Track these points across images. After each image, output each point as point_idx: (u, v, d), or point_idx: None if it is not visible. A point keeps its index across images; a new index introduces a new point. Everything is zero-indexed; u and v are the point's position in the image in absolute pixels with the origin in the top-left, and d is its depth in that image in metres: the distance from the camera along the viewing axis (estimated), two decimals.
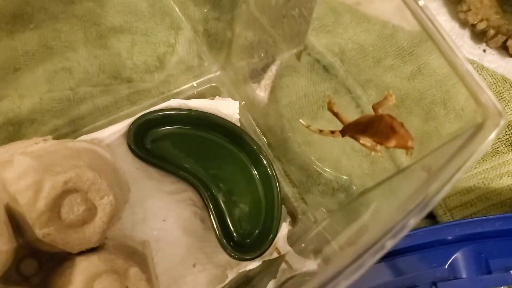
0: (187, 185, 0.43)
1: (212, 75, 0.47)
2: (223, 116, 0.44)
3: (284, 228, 0.43)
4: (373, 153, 0.34)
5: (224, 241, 0.40)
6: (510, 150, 0.44)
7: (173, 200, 0.42)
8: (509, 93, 0.45)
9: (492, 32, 0.49)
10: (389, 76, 0.45)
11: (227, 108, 0.44)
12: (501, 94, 0.45)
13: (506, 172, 0.45)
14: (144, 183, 0.42)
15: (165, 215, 0.41)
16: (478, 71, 0.46)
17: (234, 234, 0.42)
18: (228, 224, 0.42)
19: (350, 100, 0.45)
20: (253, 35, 0.40)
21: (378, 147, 0.34)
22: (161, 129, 0.43)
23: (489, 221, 0.42)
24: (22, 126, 0.41)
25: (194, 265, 0.41)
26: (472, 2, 0.50)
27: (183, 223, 0.42)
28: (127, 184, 0.39)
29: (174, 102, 0.44)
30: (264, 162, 0.43)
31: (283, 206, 0.44)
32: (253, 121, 0.45)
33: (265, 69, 0.43)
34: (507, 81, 0.45)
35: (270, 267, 0.42)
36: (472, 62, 0.46)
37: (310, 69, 0.45)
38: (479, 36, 0.51)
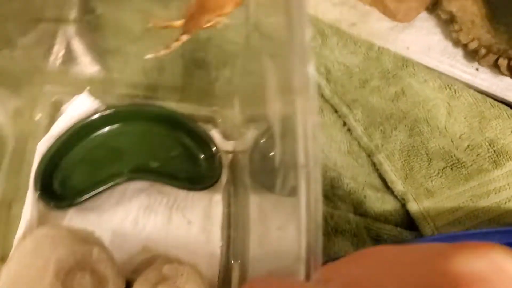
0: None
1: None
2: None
3: None
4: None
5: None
6: (494, 168, 0.45)
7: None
8: (490, 112, 0.46)
9: (483, 51, 0.50)
10: (374, 96, 0.47)
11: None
12: (482, 114, 0.46)
13: (492, 190, 0.45)
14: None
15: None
16: (458, 92, 0.47)
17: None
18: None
19: (336, 119, 0.47)
20: None
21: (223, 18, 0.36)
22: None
23: (488, 235, 0.43)
24: None
25: None
26: (463, 22, 0.51)
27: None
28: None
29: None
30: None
31: None
32: None
33: None
34: (487, 100, 0.46)
35: None
36: (453, 84, 0.47)
37: None
38: (471, 55, 0.52)
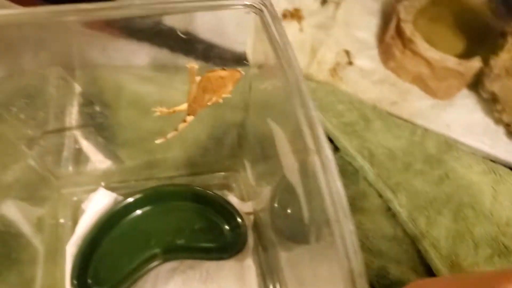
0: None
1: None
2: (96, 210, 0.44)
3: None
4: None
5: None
6: None
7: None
8: None
9: None
10: (418, 180, 0.47)
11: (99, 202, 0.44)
12: None
13: None
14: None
15: None
16: (503, 177, 0.47)
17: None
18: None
19: (380, 203, 0.47)
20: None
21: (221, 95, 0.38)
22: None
23: None
24: None
25: None
26: (506, 102, 0.51)
27: None
28: None
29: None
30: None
31: None
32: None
33: None
34: None
35: None
36: (497, 169, 0.47)
37: (342, 172, 0.48)
38: None
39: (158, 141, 0.38)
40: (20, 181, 0.40)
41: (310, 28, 0.58)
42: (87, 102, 0.43)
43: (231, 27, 0.37)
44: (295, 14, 0.57)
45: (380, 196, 0.47)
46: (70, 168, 0.44)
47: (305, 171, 0.28)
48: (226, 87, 0.37)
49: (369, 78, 0.55)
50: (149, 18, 0.43)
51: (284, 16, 0.57)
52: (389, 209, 0.47)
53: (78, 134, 0.42)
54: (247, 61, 0.38)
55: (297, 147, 0.30)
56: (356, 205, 0.47)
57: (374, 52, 0.58)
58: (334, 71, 0.56)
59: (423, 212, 0.46)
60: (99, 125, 0.43)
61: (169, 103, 0.39)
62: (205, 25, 0.41)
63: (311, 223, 0.29)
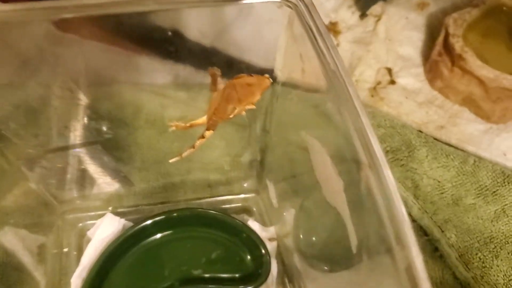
0: None
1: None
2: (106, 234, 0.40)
3: None
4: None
5: None
6: None
7: None
8: None
9: None
10: (470, 216, 0.41)
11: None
12: None
13: None
14: None
15: None
16: None
17: None
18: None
19: (426, 242, 0.42)
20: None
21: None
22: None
23: None
24: None
25: None
26: None
27: None
28: None
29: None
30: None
31: None
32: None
33: None
34: None
35: None
36: None
37: None
38: None
39: (172, 160, 0.35)
40: (20, 206, 0.37)
41: (348, 43, 0.53)
42: (97, 117, 0.40)
43: (260, 31, 0.33)
44: (331, 28, 0.53)
45: (426, 234, 0.42)
46: (75, 192, 0.41)
47: (355, 191, 0.24)
48: (254, 96, 0.32)
49: (413, 99, 0.50)
50: (170, 30, 0.40)
51: None
52: (436, 249, 0.42)
53: (84, 153, 0.39)
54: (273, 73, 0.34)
55: (342, 163, 0.26)
56: None
57: (419, 70, 0.53)
58: (374, 90, 0.51)
59: (477, 254, 0.40)
60: (107, 144, 0.40)
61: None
62: (230, 38, 0.38)
63: (361, 250, 0.25)
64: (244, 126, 0.42)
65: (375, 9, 0.55)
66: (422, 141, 0.44)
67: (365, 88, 0.51)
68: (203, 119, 0.34)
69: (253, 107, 0.32)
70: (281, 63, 0.32)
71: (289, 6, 0.27)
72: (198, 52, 0.42)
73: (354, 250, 0.25)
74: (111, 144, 0.42)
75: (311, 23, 0.25)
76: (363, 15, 0.55)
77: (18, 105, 0.38)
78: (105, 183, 0.41)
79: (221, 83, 0.32)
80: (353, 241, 0.25)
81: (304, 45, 0.26)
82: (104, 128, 0.41)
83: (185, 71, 0.43)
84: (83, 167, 0.40)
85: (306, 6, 0.25)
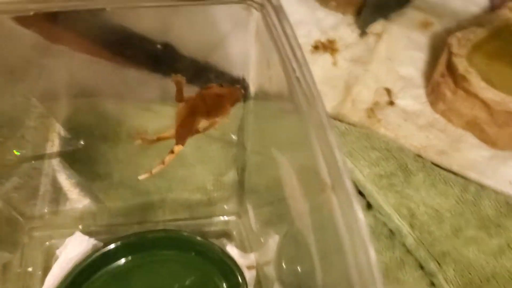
0: None
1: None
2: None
3: None
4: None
5: None
6: None
7: None
8: None
9: None
10: (471, 250, 0.38)
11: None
12: None
13: None
14: None
15: None
16: None
17: None
18: None
19: (421, 276, 0.38)
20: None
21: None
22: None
23: None
24: None
25: None
26: None
27: None
28: None
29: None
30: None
31: None
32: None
33: None
34: None
35: None
36: None
37: (374, 235, 0.40)
38: None
39: (141, 177, 0.32)
40: None
41: (345, 62, 0.51)
42: (75, 129, 0.37)
43: (225, 35, 0.31)
44: (328, 46, 0.50)
45: (421, 267, 0.38)
46: (44, 207, 0.38)
47: (318, 215, 0.21)
48: (224, 108, 0.30)
49: (413, 122, 0.47)
50: (160, 43, 0.39)
51: (316, 47, 0.50)
52: (432, 284, 0.38)
53: (57, 166, 0.37)
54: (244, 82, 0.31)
55: (309, 183, 0.23)
56: (390, 276, 0.38)
57: (420, 91, 0.50)
58: (371, 111, 0.48)
59: None
60: (84, 158, 0.38)
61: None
62: (191, 38, 0.35)
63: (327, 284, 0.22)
64: (230, 142, 0.39)
65: (376, 27, 0.53)
66: (419, 165, 0.41)
67: (361, 108, 0.48)
68: (171, 132, 0.31)
69: (227, 120, 0.30)
70: (252, 71, 0.29)
71: (255, 8, 0.24)
72: (189, 66, 0.40)
73: (319, 284, 0.22)
74: (88, 158, 0.39)
75: (278, 27, 0.22)
76: (363, 33, 0.52)
77: None
78: (78, 199, 0.38)
79: (189, 93, 0.30)
80: (319, 275, 0.22)
81: (270, 50, 0.23)
82: (82, 142, 0.39)
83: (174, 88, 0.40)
84: (55, 181, 0.38)
85: (273, 8, 0.23)
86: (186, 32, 0.39)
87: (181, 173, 0.39)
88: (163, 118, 0.40)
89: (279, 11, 0.22)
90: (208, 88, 0.29)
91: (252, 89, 0.30)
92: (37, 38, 0.41)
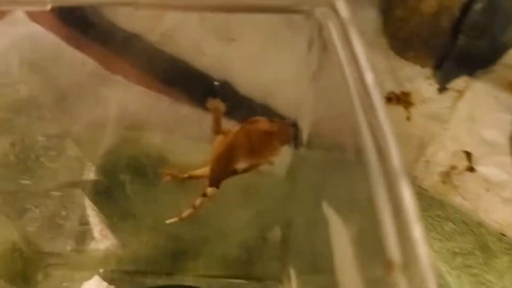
0: None
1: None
2: None
3: None
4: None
5: None
6: None
7: None
8: None
9: None
10: None
11: None
12: None
13: None
14: None
15: None
16: None
17: None
18: None
19: None
20: None
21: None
22: None
23: None
24: None
25: None
26: None
27: None
28: None
29: None
30: None
31: None
32: None
33: None
34: None
35: None
36: None
37: None
38: None
39: (169, 221, 0.29)
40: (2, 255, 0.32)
41: (421, 117, 0.45)
42: (114, 161, 0.35)
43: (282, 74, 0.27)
44: (402, 99, 0.46)
45: None
46: (64, 244, 0.35)
47: None
48: (273, 149, 0.25)
49: (497, 193, 0.41)
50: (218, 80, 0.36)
51: (389, 99, 0.45)
52: None
53: (84, 199, 0.34)
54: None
55: (368, 255, 0.18)
56: None
57: (507, 159, 0.43)
58: (447, 176, 0.42)
59: None
60: (117, 193, 0.35)
61: None
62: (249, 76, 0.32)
63: None
64: (276, 192, 0.35)
65: (458, 83, 0.48)
66: (503, 246, 0.34)
67: (436, 171, 0.43)
68: (205, 170, 0.28)
69: (272, 162, 0.25)
70: (307, 114, 0.25)
71: (316, 24, 0.20)
72: (246, 106, 0.37)
73: None
74: (120, 195, 0.37)
75: (345, 51, 0.18)
76: (442, 89, 0.47)
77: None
78: (102, 239, 0.35)
79: (229, 125, 0.26)
80: None
81: (333, 88, 0.19)
82: (121, 176, 0.36)
83: (228, 124, 0.38)
84: (81, 216, 0.35)
85: (341, 23, 0.18)
86: (245, 70, 0.36)
87: (220, 222, 0.35)
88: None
89: (349, 29, 0.18)
90: (254, 123, 0.25)
91: (306, 133, 0.26)
92: (96, 66, 0.40)
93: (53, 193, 0.34)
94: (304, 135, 0.26)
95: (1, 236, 0.33)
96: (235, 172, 0.27)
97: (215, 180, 0.27)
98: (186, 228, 0.36)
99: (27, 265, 0.35)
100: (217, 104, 0.26)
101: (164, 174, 0.30)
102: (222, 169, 0.27)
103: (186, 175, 0.29)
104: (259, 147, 0.25)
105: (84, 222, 0.35)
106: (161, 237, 0.36)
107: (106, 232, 0.35)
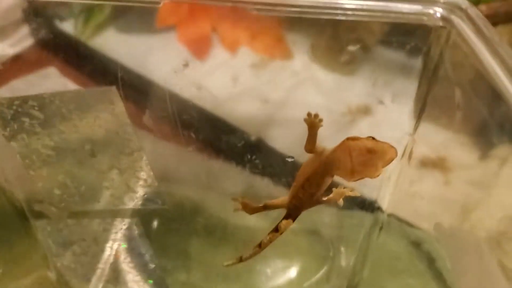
0: None
1: None
2: None
3: None
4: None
5: None
6: None
7: None
8: None
9: None
10: None
11: None
12: None
13: None
14: None
15: None
16: None
17: None
18: None
19: None
20: None
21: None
22: None
23: None
24: None
25: None
26: None
27: None
28: None
29: None
30: None
31: None
32: None
33: None
34: None
35: None
36: None
37: None
38: None
39: (227, 263, 0.28)
40: None
41: (461, 183, 0.44)
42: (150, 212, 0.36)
43: None
44: (438, 164, 0.45)
45: None
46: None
47: None
48: (375, 168, 0.24)
49: None
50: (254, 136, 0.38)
51: (424, 164, 0.45)
52: None
53: (120, 243, 0.35)
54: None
55: None
56: None
57: None
58: (495, 242, 0.39)
59: None
60: (153, 244, 0.35)
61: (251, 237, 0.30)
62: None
63: None
64: (324, 256, 0.35)
65: (501, 150, 0.46)
66: None
67: (483, 237, 0.40)
68: (283, 199, 0.27)
69: (357, 194, 0.25)
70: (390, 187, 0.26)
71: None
72: (280, 165, 0.38)
73: None
74: (157, 246, 0.37)
75: None
76: (484, 156, 0.46)
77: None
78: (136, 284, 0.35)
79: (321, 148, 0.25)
80: None
81: None
82: (155, 223, 0.37)
83: (261, 182, 0.39)
84: (117, 260, 0.36)
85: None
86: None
87: (261, 280, 0.34)
88: (245, 216, 0.37)
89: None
90: (356, 140, 0.24)
91: (388, 209, 0.26)
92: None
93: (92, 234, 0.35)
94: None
95: (36, 269, 0.34)
96: (318, 201, 0.27)
97: (295, 208, 0.27)
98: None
99: None
100: (314, 118, 0.25)
101: (236, 202, 0.30)
102: (309, 195, 0.26)
103: (261, 205, 0.29)
104: (360, 166, 0.23)
105: (118, 268, 0.35)
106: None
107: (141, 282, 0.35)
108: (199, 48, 0.38)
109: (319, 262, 0.35)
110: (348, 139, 0.24)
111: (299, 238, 0.37)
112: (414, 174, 0.37)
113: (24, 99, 0.31)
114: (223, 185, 0.40)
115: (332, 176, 0.25)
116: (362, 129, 0.41)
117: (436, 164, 0.45)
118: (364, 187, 0.37)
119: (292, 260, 0.35)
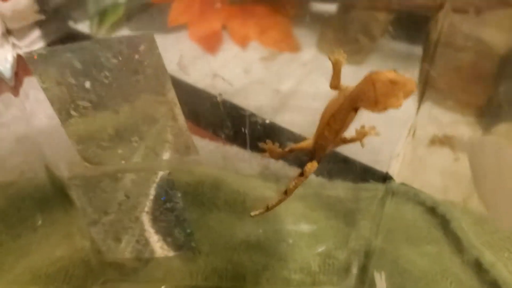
0: None
1: None
2: None
3: None
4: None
5: None
6: None
7: None
8: None
9: None
10: None
11: None
12: None
13: None
14: None
15: None
16: None
17: None
18: None
19: None
20: None
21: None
22: None
23: None
24: None
25: None
26: None
27: None
28: None
29: None
30: None
31: None
32: None
33: None
34: None
35: None
36: None
37: None
38: None
39: (254, 213, 0.28)
40: (61, 266, 0.32)
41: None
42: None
43: None
44: (446, 142, 0.46)
45: None
46: (127, 253, 0.35)
47: None
48: (397, 98, 0.24)
49: None
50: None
51: (433, 142, 0.46)
52: None
53: (150, 214, 0.35)
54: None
55: None
56: None
57: None
58: None
59: None
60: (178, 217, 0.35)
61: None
62: None
63: None
64: (345, 221, 0.35)
65: (503, 127, 0.48)
66: None
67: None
68: (308, 142, 0.28)
69: (378, 133, 0.26)
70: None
71: None
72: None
73: None
74: (182, 222, 0.37)
75: None
76: (486, 134, 0.48)
77: None
78: (166, 253, 0.35)
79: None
80: None
81: None
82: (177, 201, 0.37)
83: (276, 164, 0.39)
84: (146, 227, 0.35)
85: None
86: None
87: (281, 248, 0.34)
88: (265, 190, 0.38)
89: None
90: (378, 73, 0.24)
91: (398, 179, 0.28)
92: None
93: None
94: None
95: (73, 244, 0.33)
96: (343, 140, 0.27)
97: (321, 148, 0.27)
98: (246, 255, 0.35)
99: (87, 276, 0.34)
100: (339, 55, 0.26)
101: (262, 148, 0.30)
102: (334, 131, 0.26)
103: (286, 149, 0.29)
104: (383, 97, 0.24)
105: (144, 238, 0.35)
106: (220, 261, 0.35)
107: (170, 250, 0.35)
108: (211, 44, 0.40)
109: (336, 231, 0.35)
110: (371, 72, 0.25)
111: (317, 212, 0.37)
112: (424, 152, 0.39)
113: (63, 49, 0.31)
114: (239, 167, 0.40)
115: (356, 111, 0.26)
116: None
117: (443, 142, 0.46)
118: (376, 164, 0.38)
119: (312, 231, 0.35)
